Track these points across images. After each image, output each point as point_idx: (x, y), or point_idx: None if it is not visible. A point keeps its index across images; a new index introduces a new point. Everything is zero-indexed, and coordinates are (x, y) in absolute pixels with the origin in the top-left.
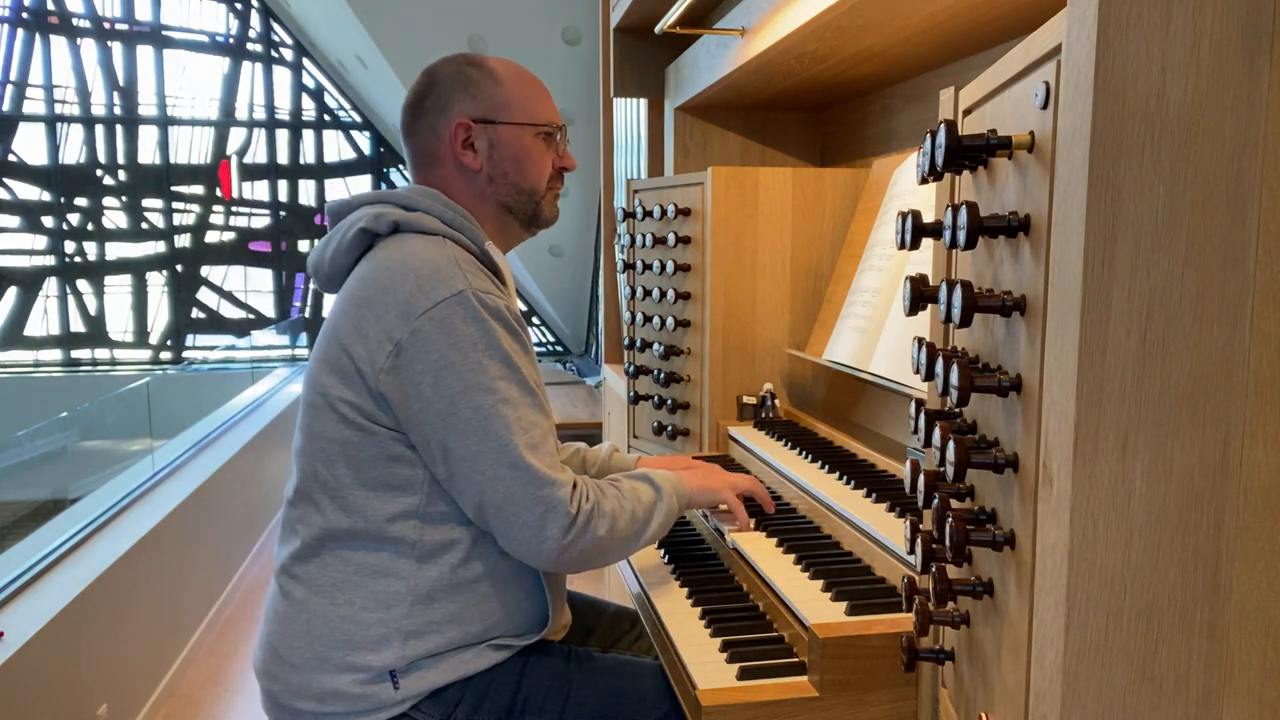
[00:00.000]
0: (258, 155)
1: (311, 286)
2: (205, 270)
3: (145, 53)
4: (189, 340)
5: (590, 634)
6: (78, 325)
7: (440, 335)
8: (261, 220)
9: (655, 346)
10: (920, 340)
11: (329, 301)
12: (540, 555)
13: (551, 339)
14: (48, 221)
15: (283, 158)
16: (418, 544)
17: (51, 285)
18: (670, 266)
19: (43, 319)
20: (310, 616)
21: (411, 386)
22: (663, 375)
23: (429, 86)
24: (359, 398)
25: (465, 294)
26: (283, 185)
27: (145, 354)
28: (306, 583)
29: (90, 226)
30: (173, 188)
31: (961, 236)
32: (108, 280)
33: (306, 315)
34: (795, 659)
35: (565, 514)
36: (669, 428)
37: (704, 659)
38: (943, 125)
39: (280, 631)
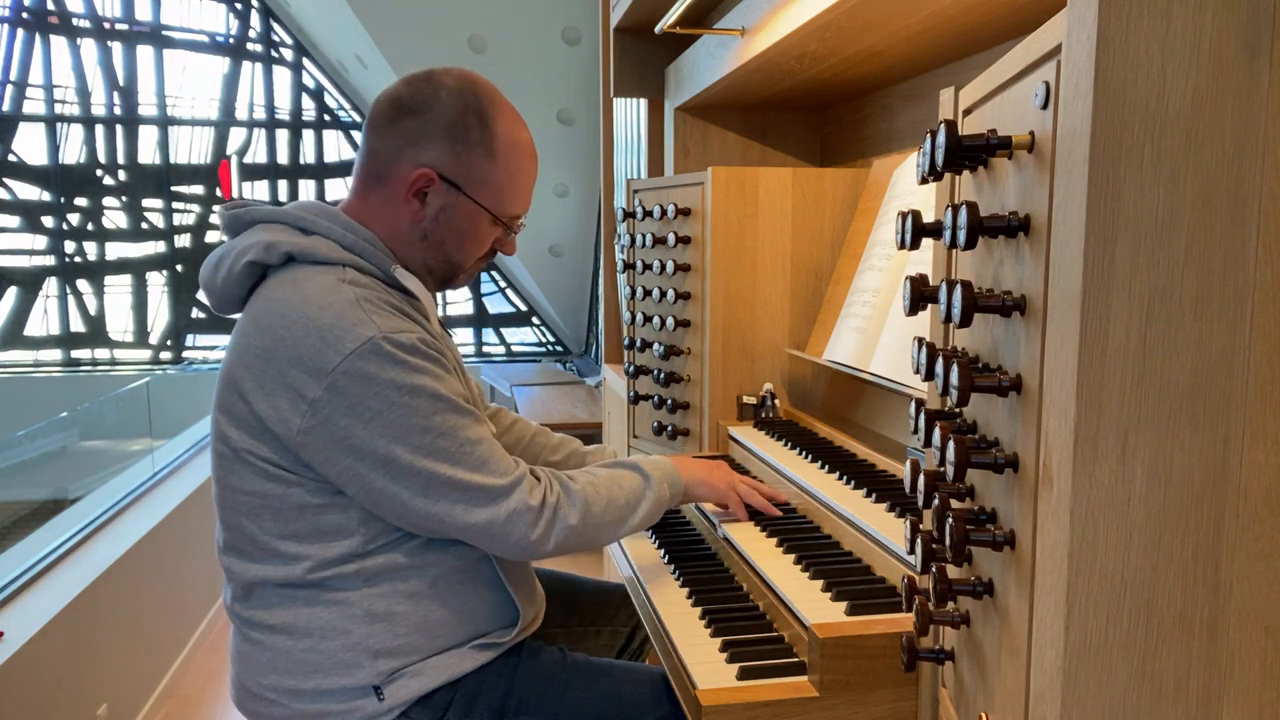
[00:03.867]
0: (258, 155)
1: None
2: None
3: (145, 53)
4: (189, 340)
5: (571, 612)
6: (78, 325)
7: (360, 388)
8: None
9: (655, 346)
10: (920, 340)
11: None
12: (519, 553)
13: (551, 339)
14: (48, 221)
15: (283, 158)
16: (361, 571)
17: (51, 285)
18: (670, 266)
19: (43, 319)
20: (273, 654)
21: (337, 443)
22: (663, 375)
23: (422, 106)
24: (274, 454)
25: (376, 340)
26: (283, 185)
27: (145, 354)
28: (258, 624)
29: (90, 226)
30: (173, 188)
31: (961, 236)
32: (108, 280)
33: None
34: (795, 659)
35: (528, 509)
36: (669, 428)
37: (704, 659)
38: (943, 125)
39: (248, 670)
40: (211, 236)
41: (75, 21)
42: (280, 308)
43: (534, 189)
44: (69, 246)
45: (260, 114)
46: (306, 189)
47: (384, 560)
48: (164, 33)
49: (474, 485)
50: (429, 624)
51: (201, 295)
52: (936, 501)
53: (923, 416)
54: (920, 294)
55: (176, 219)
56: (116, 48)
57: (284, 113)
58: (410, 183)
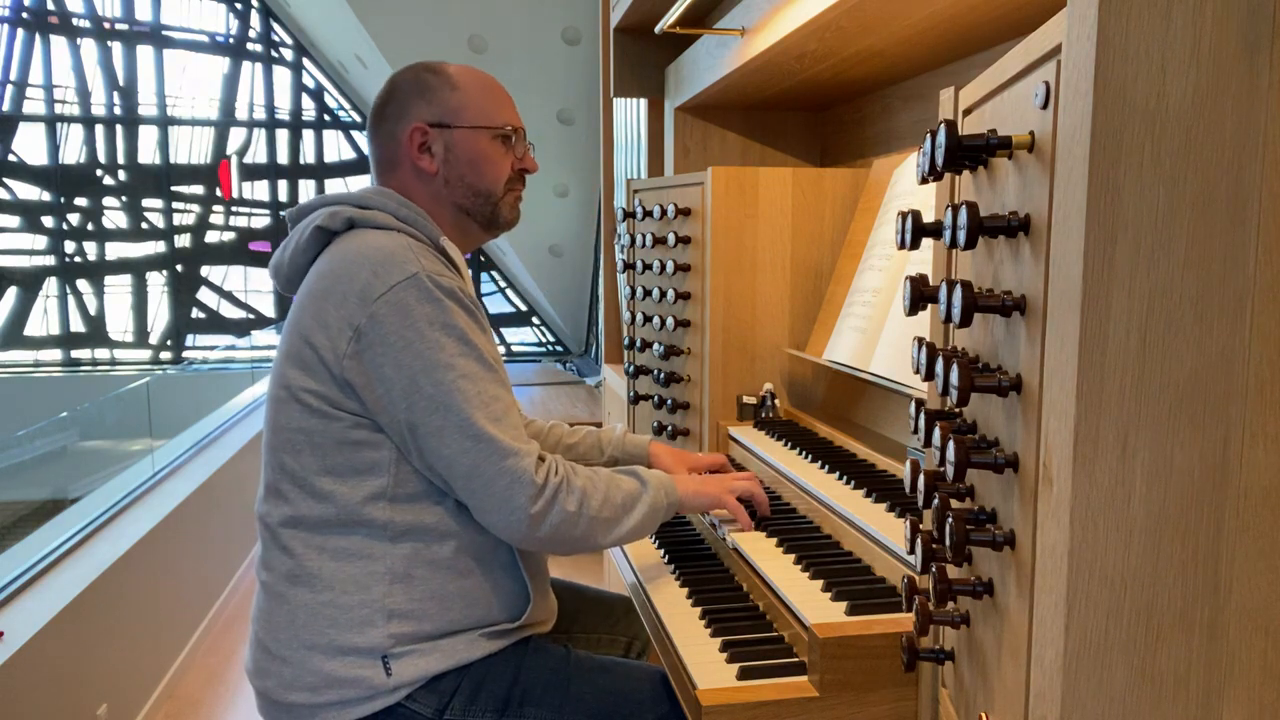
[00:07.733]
0: (258, 155)
1: None
2: (205, 270)
3: (145, 53)
4: (189, 340)
5: (574, 619)
6: (78, 325)
7: (397, 317)
8: (261, 220)
9: (655, 346)
10: (920, 340)
11: None
12: (511, 526)
13: (551, 339)
14: (48, 221)
15: (283, 158)
16: (389, 525)
17: (51, 285)
18: (670, 266)
19: (43, 319)
20: (292, 608)
21: (374, 370)
22: (663, 375)
23: (389, 95)
24: (322, 385)
25: (419, 276)
26: (283, 185)
27: (145, 354)
28: (284, 576)
29: (90, 226)
30: (173, 188)
31: (961, 236)
32: (108, 280)
33: None
34: (795, 659)
35: (531, 483)
36: (669, 427)
37: (704, 659)
38: (943, 125)
39: (265, 627)
40: (211, 236)
41: (75, 21)
42: (342, 254)
43: (519, 112)
44: (69, 246)
45: (260, 114)
46: (306, 189)
47: (412, 519)
48: (164, 33)
49: (485, 435)
50: (444, 594)
51: (270, 280)
52: (936, 501)
53: (923, 416)
54: (920, 294)
55: (176, 219)
56: (116, 48)
57: (284, 113)
58: (409, 144)
